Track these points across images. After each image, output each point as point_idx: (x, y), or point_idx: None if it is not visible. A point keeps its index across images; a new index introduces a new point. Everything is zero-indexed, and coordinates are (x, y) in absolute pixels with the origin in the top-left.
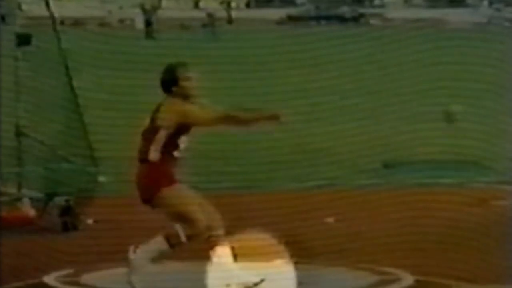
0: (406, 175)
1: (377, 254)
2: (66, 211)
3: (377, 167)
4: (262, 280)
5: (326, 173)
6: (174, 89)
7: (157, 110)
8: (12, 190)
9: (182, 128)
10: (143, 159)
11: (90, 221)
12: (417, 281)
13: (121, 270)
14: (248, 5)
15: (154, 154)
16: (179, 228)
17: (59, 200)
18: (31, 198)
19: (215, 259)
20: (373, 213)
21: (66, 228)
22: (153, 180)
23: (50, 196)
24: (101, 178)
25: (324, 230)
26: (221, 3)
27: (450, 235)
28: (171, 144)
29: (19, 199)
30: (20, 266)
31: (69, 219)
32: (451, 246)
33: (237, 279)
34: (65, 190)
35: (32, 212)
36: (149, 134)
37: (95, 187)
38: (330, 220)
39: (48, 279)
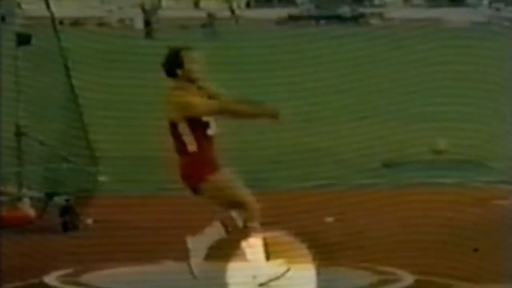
0: (406, 175)
1: (377, 254)
2: (66, 211)
3: (377, 167)
4: (287, 270)
5: (326, 173)
6: (179, 72)
7: (166, 103)
8: (12, 190)
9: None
10: (182, 152)
11: (90, 221)
12: (417, 281)
13: (121, 270)
14: (248, 5)
15: (191, 146)
16: (234, 214)
17: (59, 200)
18: (31, 198)
19: (247, 250)
20: (373, 213)
21: (66, 228)
22: (197, 169)
23: (50, 196)
24: (101, 178)
25: (324, 230)
26: (225, 1)
27: (450, 235)
28: (199, 131)
29: (19, 199)
30: (20, 266)
31: (69, 219)
32: (451, 246)
33: (264, 272)
34: (65, 190)
35: (32, 212)
36: (172, 128)
37: (95, 187)
38: (330, 220)
39: (48, 279)
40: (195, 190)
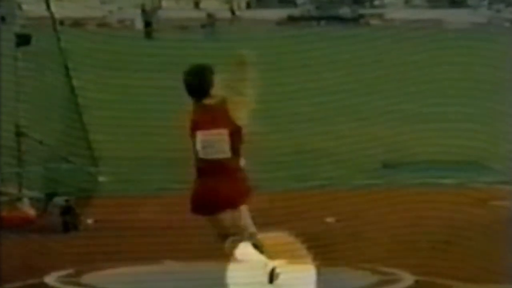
0: (406, 175)
1: (377, 254)
2: (66, 211)
3: (377, 167)
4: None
5: (326, 173)
6: (216, 79)
7: (220, 111)
8: (12, 190)
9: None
10: (235, 168)
11: (90, 221)
12: (417, 281)
13: (121, 270)
14: (248, 6)
15: (243, 160)
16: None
17: (59, 200)
18: (31, 198)
19: (239, 256)
20: (373, 213)
21: (66, 228)
22: (245, 187)
23: (50, 196)
24: (101, 178)
25: (324, 230)
26: (226, 2)
27: (450, 235)
28: None
29: (19, 199)
30: (20, 266)
31: (69, 219)
32: (451, 246)
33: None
34: (65, 190)
35: (32, 212)
36: (236, 135)
37: (95, 187)
38: (330, 220)
39: (49, 279)
40: (213, 211)
